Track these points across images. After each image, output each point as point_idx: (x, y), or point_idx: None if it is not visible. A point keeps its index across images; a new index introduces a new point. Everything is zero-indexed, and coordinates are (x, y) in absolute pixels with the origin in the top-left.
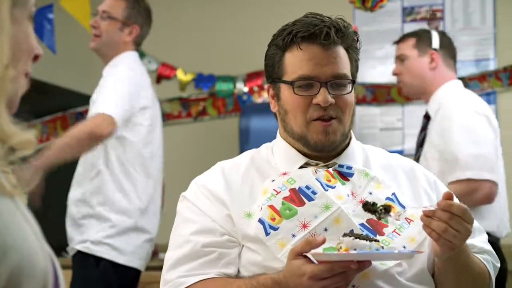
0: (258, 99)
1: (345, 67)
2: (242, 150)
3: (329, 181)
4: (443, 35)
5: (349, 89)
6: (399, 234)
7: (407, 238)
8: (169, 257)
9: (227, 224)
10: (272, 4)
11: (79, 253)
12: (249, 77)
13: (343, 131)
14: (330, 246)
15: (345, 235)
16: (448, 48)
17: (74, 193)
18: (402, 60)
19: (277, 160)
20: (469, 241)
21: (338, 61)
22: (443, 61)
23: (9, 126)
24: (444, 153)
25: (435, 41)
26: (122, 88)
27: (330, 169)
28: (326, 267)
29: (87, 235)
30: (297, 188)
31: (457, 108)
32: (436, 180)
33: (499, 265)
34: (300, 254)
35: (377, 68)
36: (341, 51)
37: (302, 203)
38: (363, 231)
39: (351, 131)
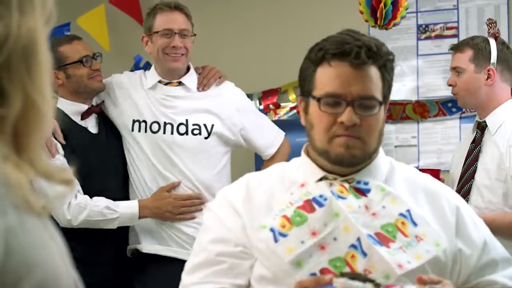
0: (273, 117)
1: (375, 88)
2: (257, 167)
3: (342, 192)
4: (503, 45)
5: (376, 111)
6: (405, 252)
7: (413, 255)
8: (188, 262)
9: (242, 235)
10: (288, 24)
11: None
12: (264, 95)
13: (367, 150)
14: (337, 257)
15: (342, 274)
16: (507, 61)
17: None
18: (458, 72)
19: (298, 174)
20: (490, 277)
21: (368, 81)
22: (500, 76)
23: (51, 164)
24: None
25: (494, 55)
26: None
27: (346, 185)
28: None
29: None
30: (311, 198)
31: None
32: (460, 206)
33: None
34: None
35: (392, 85)
36: (372, 71)
37: (313, 210)
38: (369, 240)
39: (380, 148)
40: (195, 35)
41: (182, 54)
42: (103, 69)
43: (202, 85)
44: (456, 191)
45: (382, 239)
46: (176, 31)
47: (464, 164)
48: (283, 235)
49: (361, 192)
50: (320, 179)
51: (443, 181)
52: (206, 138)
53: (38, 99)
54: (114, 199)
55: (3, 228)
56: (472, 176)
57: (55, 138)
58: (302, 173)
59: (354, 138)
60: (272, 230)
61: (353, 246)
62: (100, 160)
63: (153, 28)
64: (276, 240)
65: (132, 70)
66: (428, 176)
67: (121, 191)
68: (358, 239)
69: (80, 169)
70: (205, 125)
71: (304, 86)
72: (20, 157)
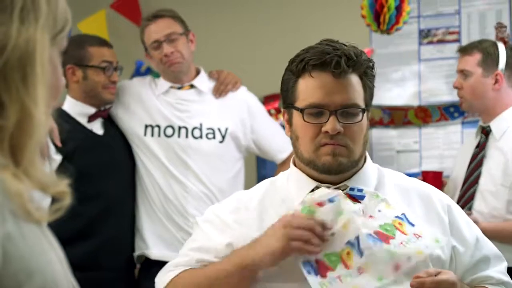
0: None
1: (357, 96)
2: (259, 173)
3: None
4: (510, 51)
5: (360, 118)
6: (405, 247)
7: (414, 251)
8: (165, 267)
9: (224, 249)
10: (290, 29)
11: None
12: (266, 100)
13: (352, 158)
14: (333, 252)
15: None
16: None
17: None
18: (465, 75)
19: (291, 186)
20: (485, 273)
21: (349, 90)
22: (508, 81)
23: (46, 175)
24: None
25: (502, 61)
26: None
27: (341, 192)
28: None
29: None
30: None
31: None
32: (451, 205)
33: None
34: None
35: (394, 91)
36: (353, 79)
37: (321, 205)
38: (368, 240)
39: (367, 155)
40: (188, 31)
41: (178, 57)
42: None
43: (219, 91)
44: (459, 196)
45: (382, 236)
46: (162, 39)
47: (467, 169)
48: None
49: (356, 199)
50: (313, 190)
51: (445, 183)
52: (220, 142)
53: (32, 109)
54: (117, 202)
55: (2, 235)
56: (476, 181)
57: (52, 140)
58: (294, 185)
59: (340, 146)
60: None
61: (349, 243)
62: (104, 161)
63: (146, 44)
64: None
65: (133, 75)
66: (415, 180)
67: (124, 195)
68: (357, 238)
69: (81, 170)
70: (219, 129)
71: (287, 98)
72: (16, 168)
